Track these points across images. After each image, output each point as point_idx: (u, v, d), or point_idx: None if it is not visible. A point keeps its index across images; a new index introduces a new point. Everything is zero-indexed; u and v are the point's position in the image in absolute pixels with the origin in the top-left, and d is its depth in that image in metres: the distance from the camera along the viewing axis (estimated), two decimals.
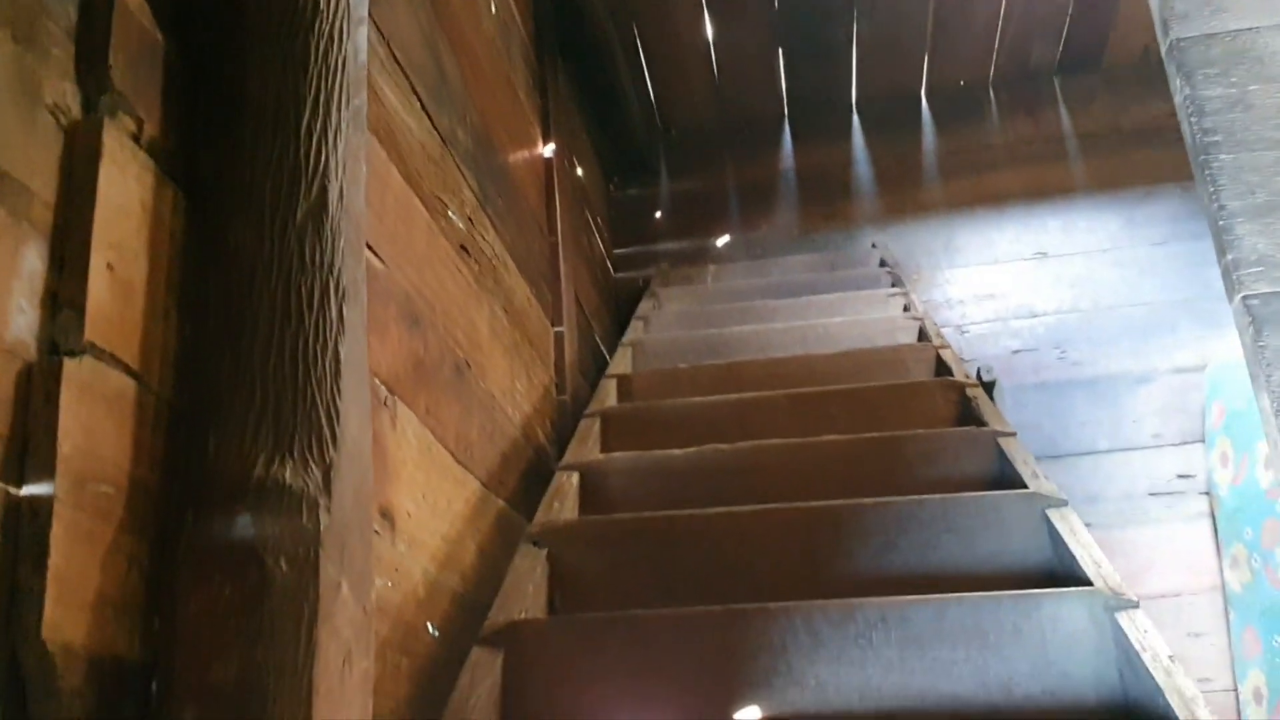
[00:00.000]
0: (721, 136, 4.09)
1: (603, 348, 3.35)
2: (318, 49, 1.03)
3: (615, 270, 3.89)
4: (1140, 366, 3.46)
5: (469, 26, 2.24)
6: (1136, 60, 3.83)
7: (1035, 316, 3.58)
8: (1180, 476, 3.32)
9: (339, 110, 1.03)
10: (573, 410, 2.57)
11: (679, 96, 3.96)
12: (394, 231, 1.58)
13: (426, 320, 1.68)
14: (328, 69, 1.03)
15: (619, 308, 3.76)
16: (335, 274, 0.97)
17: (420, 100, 1.80)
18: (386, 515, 1.40)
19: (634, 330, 2.83)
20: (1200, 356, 3.44)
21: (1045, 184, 3.78)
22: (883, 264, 3.41)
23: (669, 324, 2.92)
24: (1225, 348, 3.33)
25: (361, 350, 1.01)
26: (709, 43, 3.68)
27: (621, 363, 2.51)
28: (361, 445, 0.98)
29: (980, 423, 1.74)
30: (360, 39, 1.09)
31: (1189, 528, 3.26)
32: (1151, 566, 3.25)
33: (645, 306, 3.11)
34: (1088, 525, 3.40)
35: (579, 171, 3.41)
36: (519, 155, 2.56)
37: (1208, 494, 3.27)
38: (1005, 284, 3.65)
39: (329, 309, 0.95)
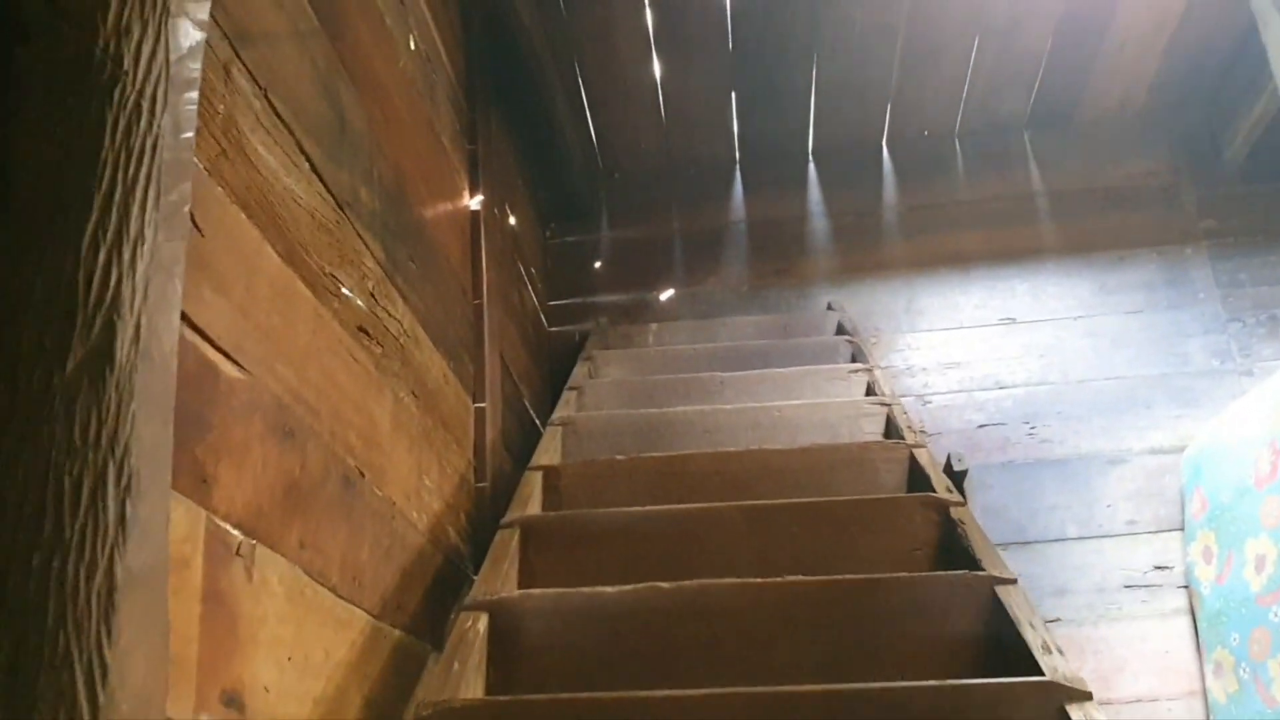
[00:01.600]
0: (668, 182, 3.85)
1: (533, 414, 3.08)
2: (115, 125, 0.75)
3: (550, 324, 3.62)
4: (1113, 446, 3.26)
5: (382, 64, 1.97)
6: (1113, 114, 3.66)
7: (1002, 388, 3.37)
8: (1157, 568, 3.11)
9: (143, 211, 0.75)
10: (493, 498, 2.29)
11: (623, 139, 3.71)
12: (266, 327, 1.30)
13: (306, 429, 1.39)
14: (128, 153, 0.75)
15: (553, 365, 3.49)
16: (118, 455, 0.68)
17: (310, 160, 1.51)
18: (234, 701, 1.11)
19: (566, 404, 2.56)
20: (1178, 437, 3.25)
21: (1013, 245, 3.58)
22: (841, 330, 3.17)
23: (605, 397, 2.65)
24: (1203, 429, 3.15)
25: (159, 554, 0.73)
26: (657, 83, 3.44)
27: (550, 448, 2.23)
28: (151, 696, 0.70)
29: (970, 557, 1.49)
30: (185, 109, 0.81)
31: (1166, 625, 3.05)
32: (1125, 666, 3.03)
33: (580, 374, 2.83)
34: (1055, 620, 3.23)
35: (511, 220, 3.14)
36: (440, 209, 2.29)
37: (1186, 587, 3.07)
38: (970, 351, 3.44)
39: (103, 511, 0.67)
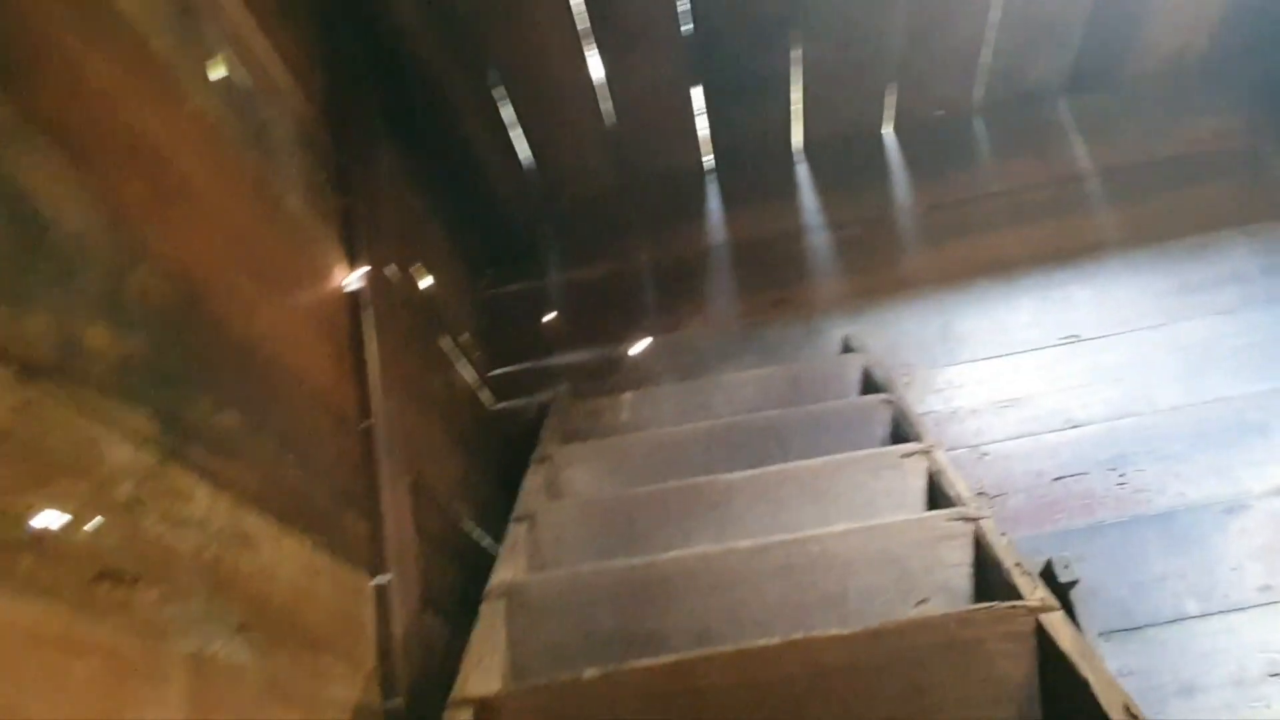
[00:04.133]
0: (626, 203, 3.14)
1: (478, 534, 2.37)
2: None
3: (497, 397, 2.90)
4: (1228, 490, 2.56)
5: (143, 112, 1.25)
6: (1170, 67, 2.97)
7: (1076, 427, 2.67)
8: None
9: None
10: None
11: (563, 156, 3.00)
12: None
13: None
14: None
15: (504, 456, 2.78)
16: None
17: None
18: None
19: (513, 550, 1.84)
20: None
21: (1065, 241, 2.89)
22: (870, 383, 2.47)
23: (568, 532, 1.93)
24: None
25: None
26: (594, 84, 2.73)
27: (486, 650, 1.51)
28: None
29: None
30: None
31: None
32: None
33: (532, 487, 2.12)
34: None
35: (425, 282, 2.43)
36: (286, 305, 1.57)
37: None
38: (1029, 383, 2.74)
39: None
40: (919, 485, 1.88)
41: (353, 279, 1.86)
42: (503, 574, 1.72)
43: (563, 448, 2.32)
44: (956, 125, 3.07)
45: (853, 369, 2.53)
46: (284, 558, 1.35)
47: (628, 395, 2.60)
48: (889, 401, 2.22)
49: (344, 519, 1.59)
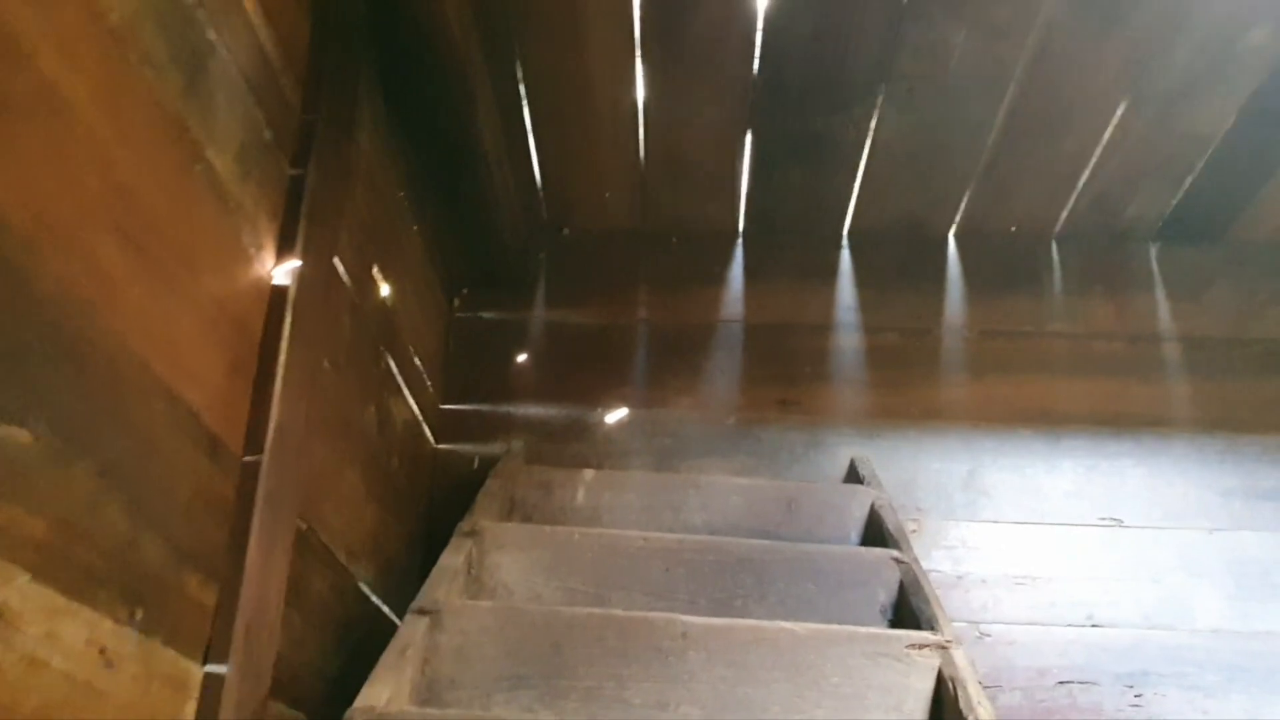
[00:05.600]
0: (639, 249, 2.78)
1: (383, 604, 1.99)
2: None
3: (438, 437, 2.53)
4: None
5: None
6: None
7: (1096, 626, 2.32)
8: None
9: None
10: None
11: (580, 180, 2.64)
12: None
13: None
14: None
15: (435, 507, 2.41)
16: None
17: None
18: None
19: (397, 664, 1.46)
20: None
21: (1126, 406, 2.55)
22: (875, 525, 2.11)
23: (475, 641, 1.55)
24: None
25: None
26: (637, 106, 2.38)
27: None
28: None
29: None
30: None
31: None
32: None
33: (448, 567, 1.74)
34: None
35: (384, 289, 2.06)
36: (176, 288, 1.20)
37: None
38: (1054, 562, 2.39)
39: None
40: (924, 689, 1.51)
41: (281, 271, 1.49)
42: (374, 693, 1.34)
43: (498, 524, 1.94)
44: (1030, 246, 2.73)
45: (859, 504, 2.17)
46: (60, 643, 0.97)
47: (589, 473, 2.22)
48: (899, 561, 1.86)
49: (181, 584, 1.21)
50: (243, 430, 1.39)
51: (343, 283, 1.78)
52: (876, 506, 2.16)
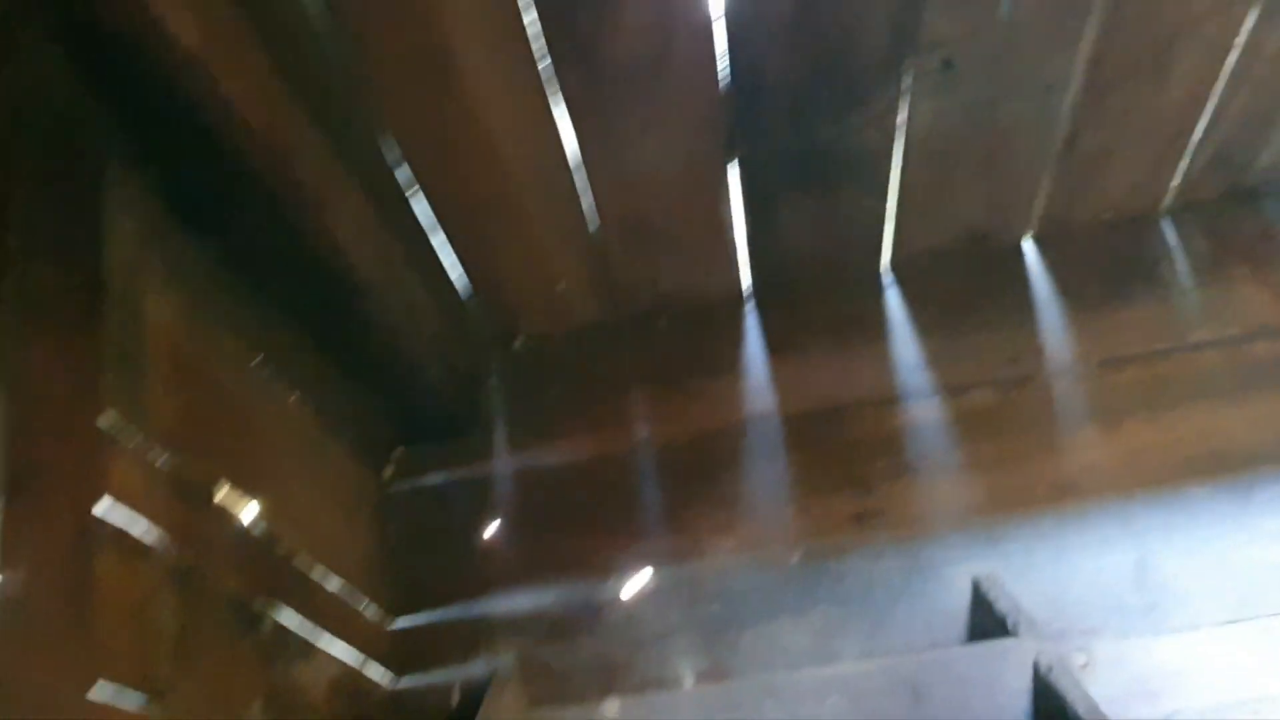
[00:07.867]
0: (615, 346, 2.13)
1: None
2: None
3: (398, 671, 1.86)
4: None
5: None
6: None
7: None
8: None
9: None
10: None
11: (519, 275, 2.00)
12: None
13: None
14: None
15: None
16: None
17: None
18: None
19: None
20: None
21: None
22: (1048, 699, 1.44)
23: None
24: None
25: None
26: (567, 163, 1.74)
27: None
28: None
29: None
30: None
31: None
32: None
33: None
34: None
35: (246, 512, 1.41)
36: None
37: None
38: None
39: None
40: None
41: None
42: None
43: None
44: (1136, 234, 2.07)
45: (1014, 670, 1.49)
46: None
47: (613, 706, 1.55)
48: None
49: None
50: None
51: (135, 544, 1.12)
52: (1041, 665, 1.48)
